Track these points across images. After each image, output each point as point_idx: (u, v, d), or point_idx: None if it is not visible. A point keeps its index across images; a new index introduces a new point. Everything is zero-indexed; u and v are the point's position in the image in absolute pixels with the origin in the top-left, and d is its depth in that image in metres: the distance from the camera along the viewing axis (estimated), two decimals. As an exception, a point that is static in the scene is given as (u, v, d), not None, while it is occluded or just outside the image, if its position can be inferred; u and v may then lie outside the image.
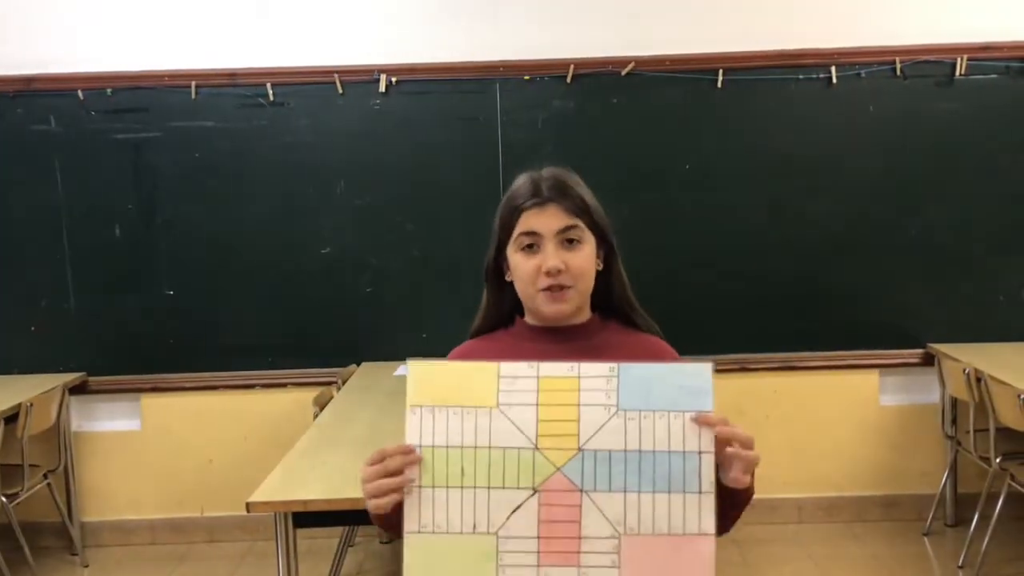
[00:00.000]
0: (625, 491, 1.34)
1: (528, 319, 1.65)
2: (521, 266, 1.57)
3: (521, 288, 1.59)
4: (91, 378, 4.43)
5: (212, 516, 4.51)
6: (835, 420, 4.50)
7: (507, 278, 1.62)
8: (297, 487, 2.65)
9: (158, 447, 4.49)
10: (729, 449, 1.34)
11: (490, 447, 1.35)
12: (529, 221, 1.56)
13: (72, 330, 4.41)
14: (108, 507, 4.52)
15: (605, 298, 1.64)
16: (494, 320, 1.68)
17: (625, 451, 1.34)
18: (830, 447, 4.50)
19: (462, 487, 1.35)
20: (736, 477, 1.36)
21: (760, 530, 4.37)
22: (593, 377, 1.36)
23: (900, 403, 4.52)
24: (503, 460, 1.35)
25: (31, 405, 3.85)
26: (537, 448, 1.35)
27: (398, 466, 1.35)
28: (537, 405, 1.35)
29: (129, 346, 4.43)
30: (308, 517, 2.59)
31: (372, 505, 1.39)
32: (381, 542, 4.38)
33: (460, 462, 1.35)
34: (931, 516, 4.34)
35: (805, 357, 4.46)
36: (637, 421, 1.34)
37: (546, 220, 1.56)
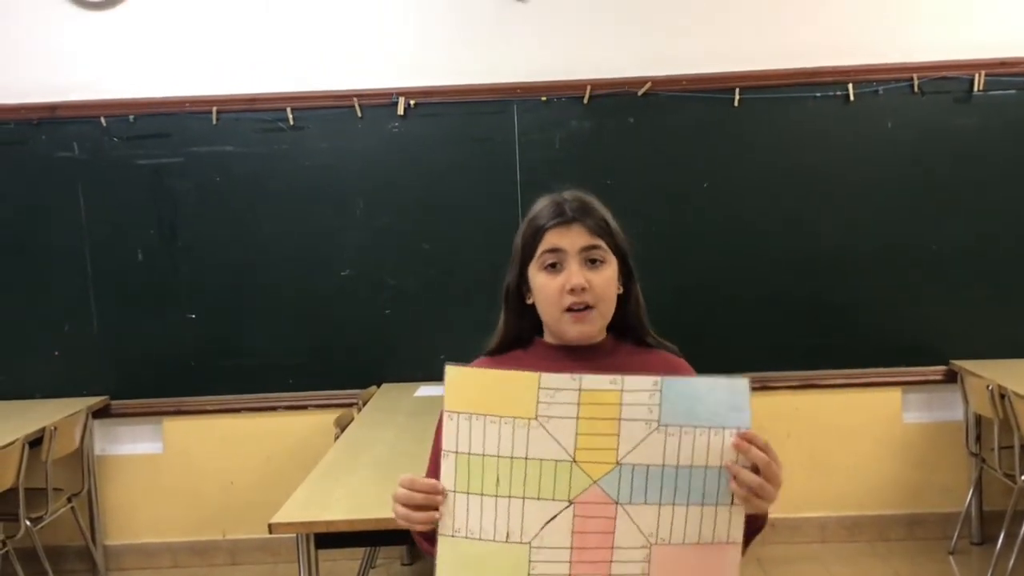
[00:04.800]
0: (660, 504, 1.34)
1: (547, 339, 1.65)
2: (545, 286, 1.57)
3: (545, 309, 1.59)
4: (114, 402, 4.46)
5: (234, 539, 4.52)
6: (858, 438, 4.47)
7: (528, 300, 1.62)
8: (319, 508, 2.65)
9: (180, 470, 4.51)
10: (750, 476, 1.34)
11: (527, 458, 1.34)
12: (552, 239, 1.56)
13: (95, 354, 4.44)
14: (131, 530, 4.54)
15: (619, 320, 1.64)
16: (511, 341, 1.67)
17: (663, 466, 1.34)
18: (853, 465, 4.47)
19: (496, 496, 1.34)
20: (754, 505, 1.36)
21: (783, 549, 4.34)
22: (636, 391, 1.34)
23: (923, 420, 4.48)
24: (539, 471, 1.34)
25: (55, 429, 3.88)
26: (575, 461, 1.34)
27: (421, 503, 1.37)
28: (577, 419, 1.34)
29: (151, 369, 4.46)
30: (330, 538, 2.60)
31: (397, 521, 1.42)
32: (403, 564, 4.38)
33: (496, 471, 1.34)
34: (956, 534, 4.30)
35: (826, 375, 4.44)
36: (677, 437, 1.34)
37: (570, 238, 1.56)
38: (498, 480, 1.34)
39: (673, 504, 1.34)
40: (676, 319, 4.51)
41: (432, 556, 1.43)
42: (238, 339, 4.45)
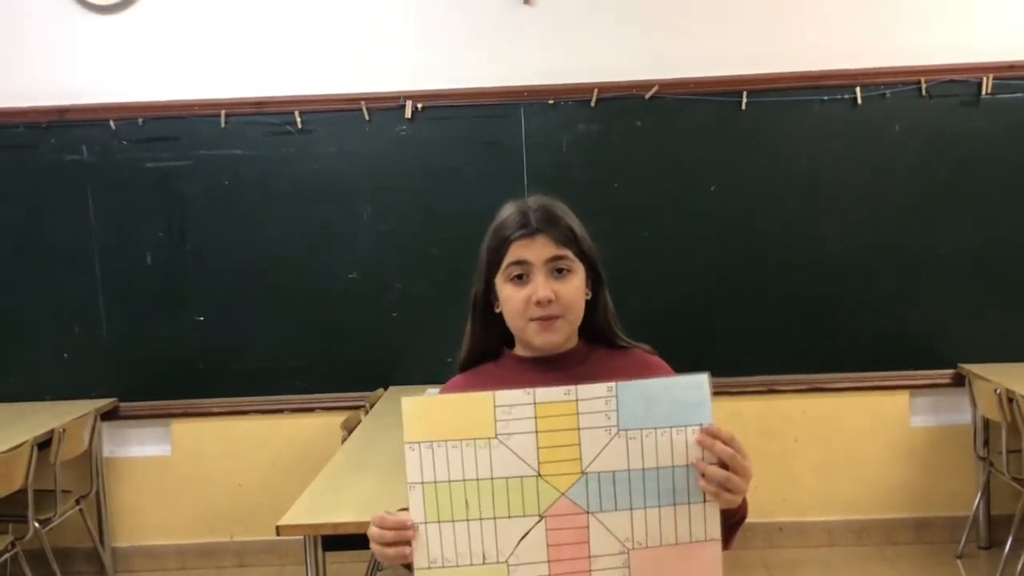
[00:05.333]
0: (631, 508, 1.34)
1: (518, 350, 1.64)
2: (511, 298, 1.56)
3: (511, 319, 1.58)
4: (122, 404, 4.48)
5: (242, 540, 4.53)
6: (865, 442, 4.46)
7: (496, 309, 1.61)
8: (326, 510, 2.66)
9: (188, 472, 4.52)
10: (716, 471, 1.34)
11: (492, 478, 1.34)
12: (518, 251, 1.55)
13: (104, 356, 4.46)
14: (139, 532, 4.55)
15: (589, 326, 1.63)
16: (480, 352, 1.67)
17: (628, 470, 1.34)
18: (860, 469, 4.46)
19: (468, 519, 1.35)
20: (725, 500, 1.36)
21: (790, 553, 4.34)
22: (591, 399, 1.35)
23: (931, 424, 4.47)
24: (507, 489, 1.34)
25: (63, 431, 3.89)
26: (540, 475, 1.34)
27: (392, 540, 1.37)
28: (536, 432, 1.34)
29: (160, 372, 4.47)
30: (337, 541, 2.61)
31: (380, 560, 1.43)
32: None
33: (464, 495, 1.35)
34: (964, 539, 4.29)
35: (834, 378, 4.43)
36: (639, 440, 1.34)
37: (536, 250, 1.54)
38: (467, 503, 1.35)
39: (645, 508, 1.34)
40: (683, 322, 4.50)
41: None
42: (246, 341, 4.47)
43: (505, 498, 1.34)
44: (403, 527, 1.36)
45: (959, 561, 4.25)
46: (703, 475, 1.34)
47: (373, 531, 1.40)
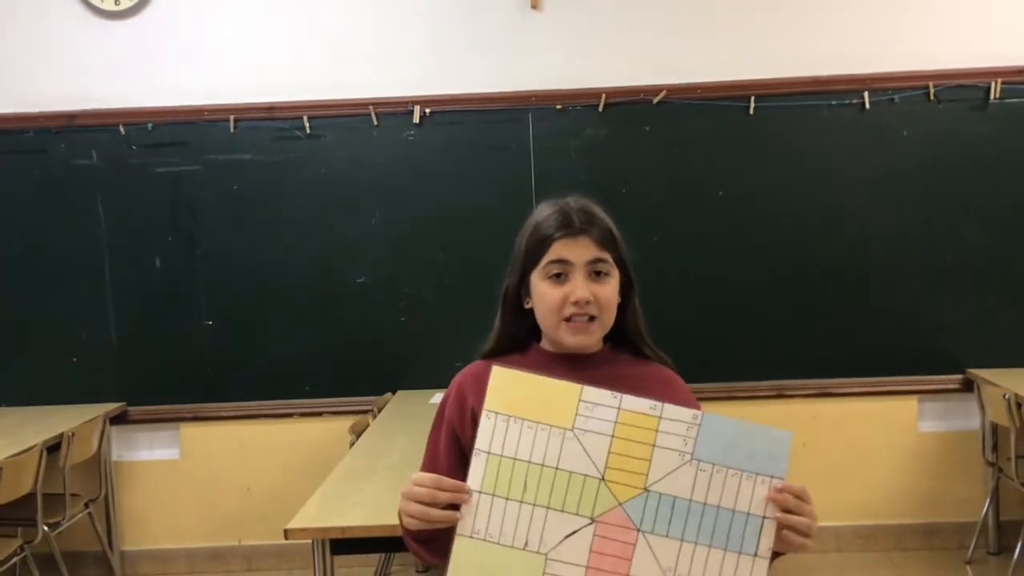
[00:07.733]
0: (682, 539, 1.33)
1: (544, 344, 1.65)
2: (548, 295, 1.57)
3: (543, 317, 1.59)
4: (131, 408, 4.49)
5: (250, 544, 4.54)
6: (874, 447, 4.45)
7: (526, 305, 1.62)
8: (334, 514, 2.67)
9: (197, 476, 4.54)
10: (784, 532, 1.34)
11: (557, 468, 1.34)
12: (560, 250, 1.56)
13: (113, 361, 4.47)
14: (147, 536, 4.56)
15: (618, 330, 1.64)
16: (507, 345, 1.67)
17: (690, 500, 1.33)
18: (869, 474, 4.45)
19: (521, 502, 1.34)
20: (781, 550, 1.36)
21: (798, 559, 4.29)
22: (674, 420, 1.34)
23: (940, 429, 4.46)
24: (567, 484, 1.34)
25: (73, 435, 3.90)
26: (603, 479, 1.34)
27: (446, 501, 1.36)
28: (612, 436, 1.34)
29: (168, 376, 4.48)
30: (345, 544, 2.61)
31: (405, 520, 1.41)
32: (417, 571, 4.38)
33: (525, 477, 1.34)
34: (973, 544, 4.27)
35: (842, 383, 4.43)
36: (709, 474, 1.33)
37: (578, 250, 1.56)
38: (525, 486, 1.34)
39: (696, 543, 1.33)
40: (692, 326, 4.49)
41: (426, 560, 1.47)
42: (254, 346, 4.48)
43: (564, 492, 1.34)
44: (461, 490, 1.36)
45: (968, 567, 4.23)
46: (785, 525, 1.33)
47: (421, 491, 1.37)
